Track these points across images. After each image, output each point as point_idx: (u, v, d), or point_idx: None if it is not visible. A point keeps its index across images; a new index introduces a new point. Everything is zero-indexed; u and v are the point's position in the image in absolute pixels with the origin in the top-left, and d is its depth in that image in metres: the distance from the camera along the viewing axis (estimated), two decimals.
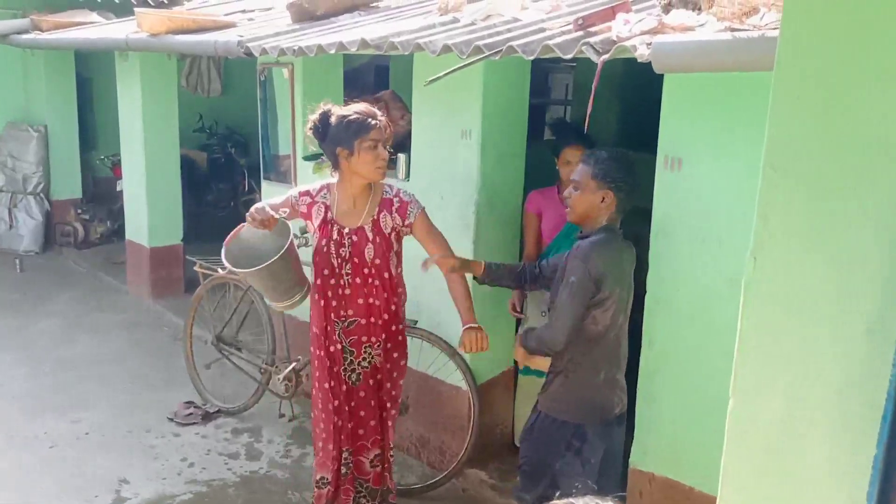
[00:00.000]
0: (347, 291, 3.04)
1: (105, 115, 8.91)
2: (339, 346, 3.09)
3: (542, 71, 7.13)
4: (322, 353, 3.10)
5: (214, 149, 9.30)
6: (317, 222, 3.02)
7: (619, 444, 2.82)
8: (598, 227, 2.64)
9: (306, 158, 4.61)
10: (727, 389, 2.79)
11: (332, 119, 2.92)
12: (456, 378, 3.86)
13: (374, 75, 7.62)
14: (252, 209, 3.04)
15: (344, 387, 3.13)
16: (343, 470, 3.27)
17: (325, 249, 2.99)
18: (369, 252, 3.00)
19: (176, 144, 6.65)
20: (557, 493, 2.67)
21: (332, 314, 3.06)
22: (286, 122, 4.69)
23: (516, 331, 3.89)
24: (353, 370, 3.14)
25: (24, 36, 7.02)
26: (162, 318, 6.30)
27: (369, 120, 2.89)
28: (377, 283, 3.04)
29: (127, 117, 6.63)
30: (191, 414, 4.57)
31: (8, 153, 8.29)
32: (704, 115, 2.73)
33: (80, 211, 8.50)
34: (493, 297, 3.77)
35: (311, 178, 4.55)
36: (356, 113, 2.89)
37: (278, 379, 4.31)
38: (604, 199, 2.60)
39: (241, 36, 4.21)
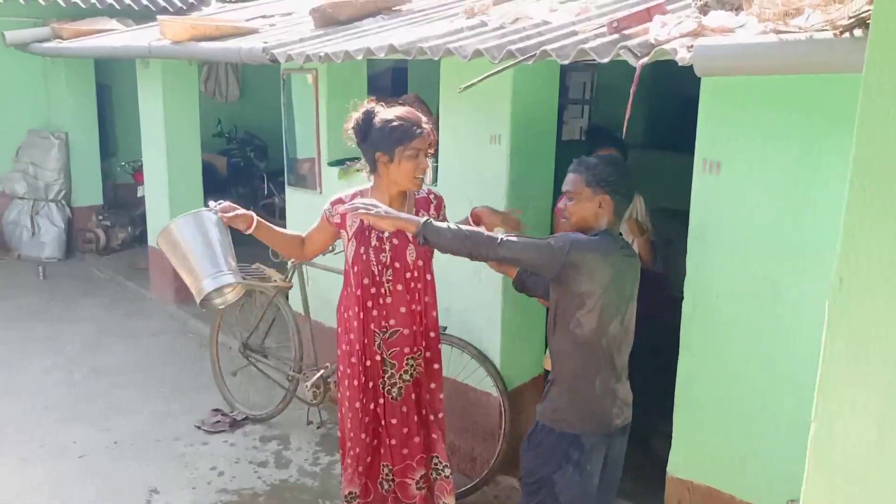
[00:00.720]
0: (389, 300, 2.91)
1: (124, 122, 8.96)
2: (377, 359, 2.96)
3: (560, 70, 7.07)
4: (359, 369, 2.95)
5: (234, 153, 9.33)
6: (352, 230, 2.90)
7: (620, 455, 2.74)
8: (595, 231, 2.58)
9: (331, 164, 4.60)
10: (767, 396, 2.76)
11: (376, 120, 2.79)
12: (486, 384, 3.83)
13: (392, 79, 7.60)
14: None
15: (381, 400, 3.00)
16: (385, 486, 3.14)
17: (364, 257, 2.87)
18: (411, 254, 2.90)
19: (198, 150, 6.67)
20: None
21: (373, 325, 2.93)
22: (310, 128, 4.67)
23: (545, 340, 3.85)
24: (395, 384, 3.00)
25: (46, 44, 7.06)
26: (186, 324, 6.31)
27: (414, 128, 2.76)
28: (420, 286, 2.95)
29: (149, 124, 6.65)
30: (218, 422, 4.57)
31: (29, 161, 8.34)
32: (743, 118, 2.68)
33: (101, 217, 8.54)
34: (521, 305, 3.73)
35: (337, 184, 4.54)
36: (400, 118, 2.77)
37: (306, 386, 4.30)
38: (601, 204, 2.56)
39: (266, 42, 4.19)
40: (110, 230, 8.52)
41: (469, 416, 3.96)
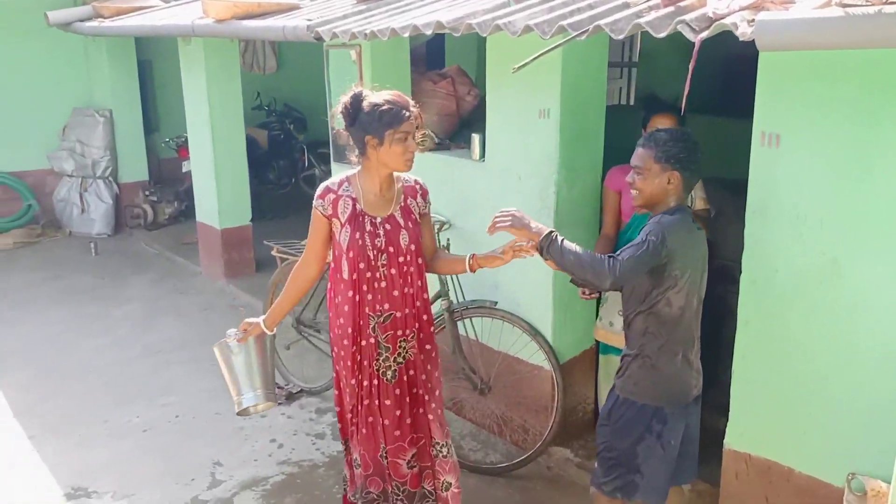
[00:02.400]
0: (383, 284, 2.90)
1: (165, 97, 9.07)
2: (371, 341, 2.94)
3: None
4: (352, 350, 2.95)
5: (274, 126, 9.38)
6: (345, 217, 2.85)
7: (696, 425, 2.79)
8: (670, 208, 2.59)
9: None
10: (827, 370, 2.74)
11: (364, 104, 2.76)
12: (538, 358, 3.86)
13: (428, 51, 7.53)
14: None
15: (376, 381, 2.99)
16: (385, 461, 3.12)
17: (360, 242, 2.84)
18: (404, 239, 2.90)
19: (241, 126, 6.72)
20: (640, 477, 2.67)
21: (368, 308, 2.91)
22: None
23: (596, 312, 3.86)
24: (389, 367, 2.99)
25: (88, 24, 7.12)
26: (237, 299, 6.43)
27: (403, 111, 2.74)
28: (412, 269, 2.94)
29: (192, 101, 6.71)
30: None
31: (76, 139, 8.50)
32: (803, 89, 2.63)
33: (147, 193, 8.70)
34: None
35: None
36: (389, 102, 2.74)
37: None
38: (670, 180, 2.56)
39: (310, 20, 4.18)
40: (157, 205, 8.68)
41: (521, 390, 4.00)
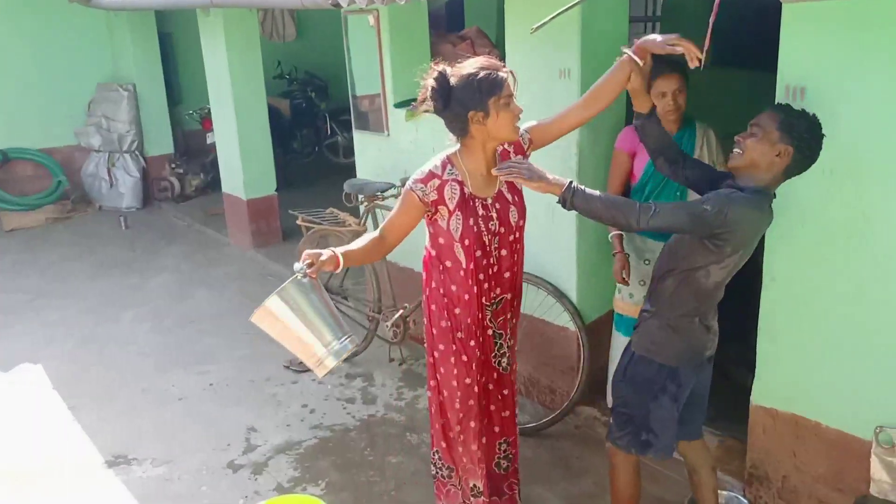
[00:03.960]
0: (496, 268, 2.72)
1: (187, 69, 9.11)
2: (489, 333, 2.78)
3: None
4: (469, 344, 2.74)
5: (296, 95, 9.39)
6: (454, 203, 2.60)
7: (707, 382, 2.80)
8: (755, 185, 2.45)
9: (397, 105, 4.60)
10: (854, 324, 2.73)
11: (455, 80, 2.49)
12: (563, 319, 3.87)
13: (447, 13, 7.46)
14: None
15: (495, 374, 2.86)
16: (503, 464, 3.05)
17: (475, 229, 2.61)
18: (513, 215, 2.70)
19: (263, 96, 6.75)
20: (652, 436, 2.69)
21: (484, 298, 2.72)
22: (374, 70, 4.66)
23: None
24: (504, 354, 2.85)
25: None
26: (266, 267, 6.53)
27: (500, 74, 2.50)
28: (519, 247, 2.77)
29: (214, 73, 6.73)
30: None
31: (102, 114, 8.59)
32: (828, 42, 2.57)
33: (174, 165, 8.79)
34: (597, 240, 3.74)
35: (404, 126, 4.56)
36: (483, 69, 2.49)
37: (387, 325, 4.43)
38: (780, 154, 2.40)
39: None
40: (184, 178, 8.78)
41: (547, 351, 4.03)
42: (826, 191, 2.69)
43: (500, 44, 4.25)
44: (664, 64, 3.30)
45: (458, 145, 2.64)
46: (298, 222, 4.74)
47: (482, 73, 2.47)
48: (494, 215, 2.66)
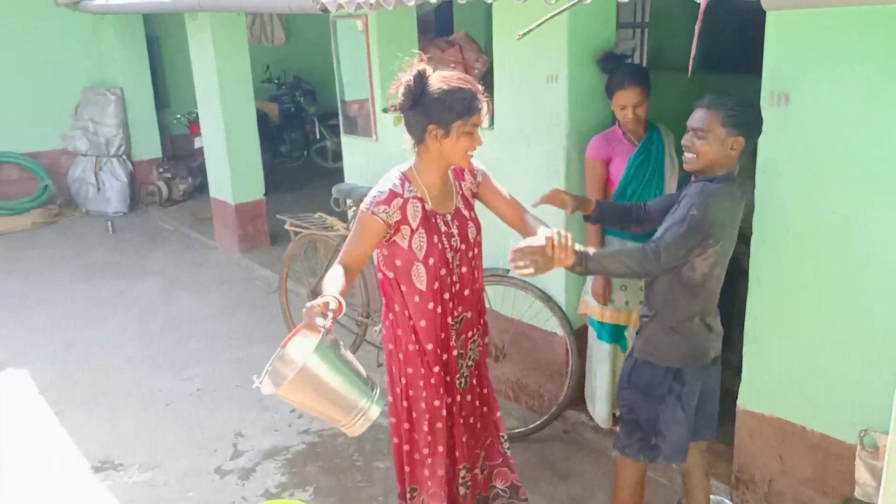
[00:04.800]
0: (458, 286, 2.62)
1: (174, 73, 9.09)
2: (454, 354, 2.67)
3: None
4: (437, 369, 2.63)
5: (284, 99, 9.38)
6: (416, 221, 2.50)
7: (716, 385, 2.81)
8: (718, 175, 2.49)
9: (385, 110, 4.61)
10: (838, 328, 2.75)
11: (432, 87, 2.38)
12: (552, 324, 3.88)
13: (436, 19, 7.48)
14: (305, 309, 2.27)
15: (458, 397, 2.73)
16: (461, 491, 2.88)
17: (439, 246, 2.52)
18: (472, 231, 2.63)
19: (251, 100, 6.73)
20: (661, 440, 2.71)
21: (449, 318, 2.62)
22: (363, 75, 4.67)
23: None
24: (463, 374, 2.75)
25: (95, 2, 7.12)
26: (252, 272, 6.51)
27: (476, 101, 2.39)
28: (477, 262, 2.69)
29: (202, 77, 6.72)
30: None
31: (89, 118, 8.55)
32: (812, 47, 2.60)
33: (161, 170, 8.76)
34: (583, 244, 3.75)
35: (392, 131, 4.55)
36: (460, 89, 2.38)
37: (375, 330, 4.42)
38: (733, 146, 2.45)
39: None
40: (171, 182, 8.74)
41: (535, 356, 4.04)
42: (809, 196, 2.71)
43: (490, 49, 4.26)
44: (625, 76, 3.34)
45: (413, 160, 2.56)
46: (287, 227, 4.74)
47: (459, 95, 2.37)
48: (455, 231, 2.58)
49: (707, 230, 2.43)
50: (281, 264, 5.00)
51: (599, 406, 3.78)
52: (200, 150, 7.51)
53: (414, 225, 2.50)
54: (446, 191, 2.60)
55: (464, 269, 2.63)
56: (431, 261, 2.52)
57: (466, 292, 2.67)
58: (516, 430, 3.92)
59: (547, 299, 3.84)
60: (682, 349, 2.64)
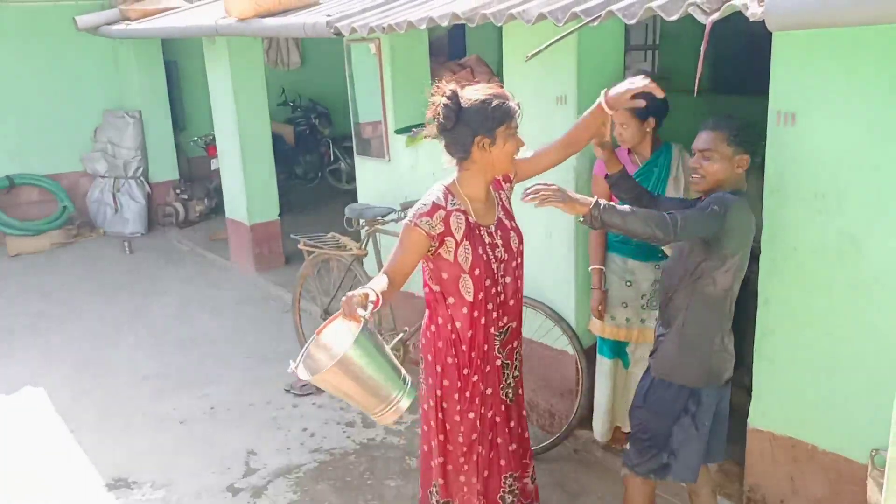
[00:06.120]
0: (502, 297, 2.67)
1: (192, 96, 9.22)
2: (497, 364, 2.72)
3: None
4: (473, 380, 2.67)
5: (299, 121, 9.51)
6: (459, 234, 2.54)
7: (726, 409, 2.81)
8: (731, 190, 2.55)
9: (398, 132, 4.67)
10: (848, 347, 2.75)
11: (467, 102, 2.47)
12: (562, 343, 3.89)
13: (449, 41, 7.57)
14: (344, 298, 2.30)
15: (502, 407, 2.78)
16: (509, 499, 2.90)
17: (484, 258, 2.57)
18: (514, 241, 2.68)
19: (267, 123, 6.83)
20: (672, 458, 2.70)
21: (493, 328, 2.66)
22: (376, 97, 4.74)
23: None
24: (510, 385, 2.80)
25: (115, 27, 7.28)
26: (267, 291, 6.56)
27: (511, 104, 2.51)
28: (520, 272, 2.73)
29: (219, 101, 6.82)
30: (306, 385, 4.74)
31: (107, 140, 8.69)
32: (819, 67, 2.63)
33: (178, 191, 8.86)
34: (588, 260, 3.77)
35: (405, 152, 4.62)
36: (497, 96, 2.49)
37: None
38: (739, 164, 2.55)
39: (329, 16, 4.25)
40: (188, 203, 8.84)
41: (545, 374, 4.04)
42: (816, 215, 2.73)
43: (501, 72, 4.32)
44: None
45: (455, 174, 2.61)
46: (300, 246, 4.79)
47: (496, 101, 2.48)
48: (499, 242, 2.64)
49: (722, 230, 2.45)
50: (294, 283, 5.05)
51: (599, 420, 3.79)
52: (217, 171, 7.61)
53: (458, 237, 2.55)
54: (489, 203, 2.65)
55: (508, 279, 2.68)
56: (477, 272, 2.57)
57: (511, 302, 2.72)
58: None
59: (557, 318, 3.85)
60: (701, 369, 2.65)
